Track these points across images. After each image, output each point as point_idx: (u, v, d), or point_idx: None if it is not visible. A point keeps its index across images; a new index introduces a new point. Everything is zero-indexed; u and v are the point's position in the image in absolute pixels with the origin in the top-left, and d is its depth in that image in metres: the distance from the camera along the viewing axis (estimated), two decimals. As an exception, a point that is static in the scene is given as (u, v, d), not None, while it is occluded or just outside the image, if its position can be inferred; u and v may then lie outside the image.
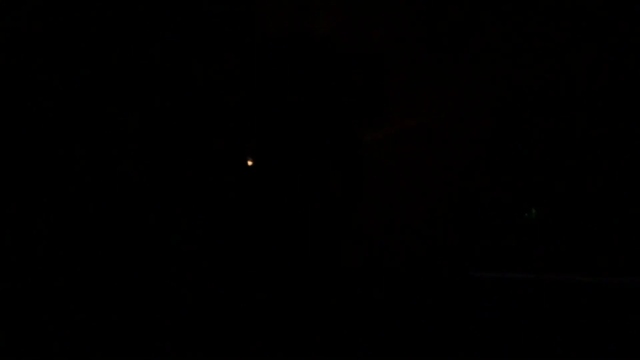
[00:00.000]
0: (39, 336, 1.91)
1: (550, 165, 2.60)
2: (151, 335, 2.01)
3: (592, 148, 2.54)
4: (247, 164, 2.27)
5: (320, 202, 2.20)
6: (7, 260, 1.98)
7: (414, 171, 2.65)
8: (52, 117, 2.13)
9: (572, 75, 2.57)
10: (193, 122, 2.21)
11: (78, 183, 2.14)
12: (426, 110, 2.67)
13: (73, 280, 2.05)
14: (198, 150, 2.19)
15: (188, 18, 2.22)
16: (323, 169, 2.16)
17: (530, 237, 2.56)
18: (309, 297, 2.12)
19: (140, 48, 2.19)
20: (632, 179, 2.49)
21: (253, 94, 2.23)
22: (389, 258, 2.52)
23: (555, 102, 2.60)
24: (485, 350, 2.12)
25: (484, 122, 2.66)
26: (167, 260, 2.12)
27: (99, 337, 1.96)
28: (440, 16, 2.65)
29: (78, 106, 2.15)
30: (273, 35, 2.25)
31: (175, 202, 2.17)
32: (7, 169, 2.06)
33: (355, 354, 2.08)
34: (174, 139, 2.20)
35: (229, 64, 2.26)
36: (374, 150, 2.58)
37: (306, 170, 2.16)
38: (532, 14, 2.60)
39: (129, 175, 2.18)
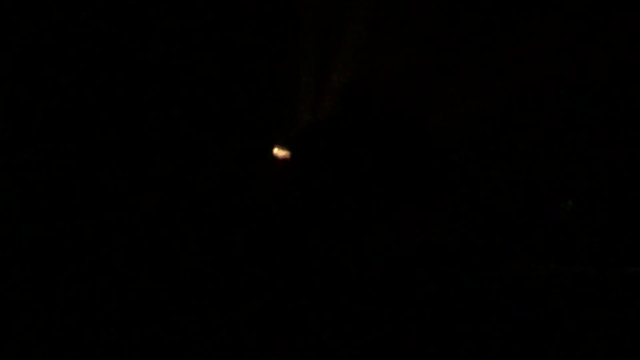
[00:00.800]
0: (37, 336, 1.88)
1: (587, 154, 2.53)
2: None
3: (629, 137, 2.48)
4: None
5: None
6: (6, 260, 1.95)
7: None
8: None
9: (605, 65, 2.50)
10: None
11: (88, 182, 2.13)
12: (458, 103, 2.63)
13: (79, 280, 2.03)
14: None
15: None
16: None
17: (566, 228, 2.50)
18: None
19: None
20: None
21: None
22: (424, 250, 2.44)
23: (589, 93, 2.54)
24: (519, 344, 2.12)
25: (517, 113, 2.61)
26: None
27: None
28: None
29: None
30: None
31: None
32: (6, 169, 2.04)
33: (385, 339, 2.10)
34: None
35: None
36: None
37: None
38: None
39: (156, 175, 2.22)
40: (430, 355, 2.13)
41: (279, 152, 2.48)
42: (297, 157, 2.46)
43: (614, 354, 2.06)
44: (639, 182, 2.47)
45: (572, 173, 2.55)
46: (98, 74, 2.16)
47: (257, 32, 2.42)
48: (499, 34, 2.58)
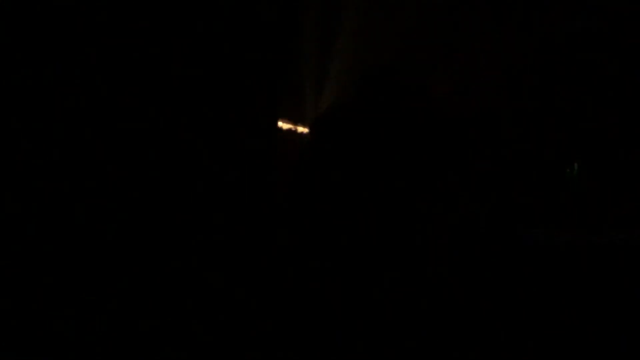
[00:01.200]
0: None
1: (594, 118, 2.52)
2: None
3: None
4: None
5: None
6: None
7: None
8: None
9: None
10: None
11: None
12: (465, 69, 2.61)
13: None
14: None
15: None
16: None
17: (573, 193, 2.48)
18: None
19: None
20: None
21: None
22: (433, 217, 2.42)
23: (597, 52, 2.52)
24: (531, 309, 2.11)
25: (525, 77, 2.59)
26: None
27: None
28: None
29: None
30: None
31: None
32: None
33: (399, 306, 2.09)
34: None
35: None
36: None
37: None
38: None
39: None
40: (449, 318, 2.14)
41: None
42: (317, 141, 2.49)
43: (621, 318, 2.07)
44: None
45: (577, 138, 2.53)
46: (105, 69, 2.15)
47: (259, 21, 2.41)
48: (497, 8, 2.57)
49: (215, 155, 2.32)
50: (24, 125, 2.04)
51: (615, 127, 2.50)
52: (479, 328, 2.08)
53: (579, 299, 2.15)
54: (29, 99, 2.06)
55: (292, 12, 2.51)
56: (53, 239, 2.01)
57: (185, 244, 2.18)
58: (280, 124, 2.60)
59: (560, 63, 2.58)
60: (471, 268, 2.28)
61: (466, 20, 2.59)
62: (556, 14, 2.53)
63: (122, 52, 2.14)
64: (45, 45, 2.06)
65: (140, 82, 2.19)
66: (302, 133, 2.69)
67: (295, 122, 2.71)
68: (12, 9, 1.99)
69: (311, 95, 2.71)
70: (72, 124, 2.09)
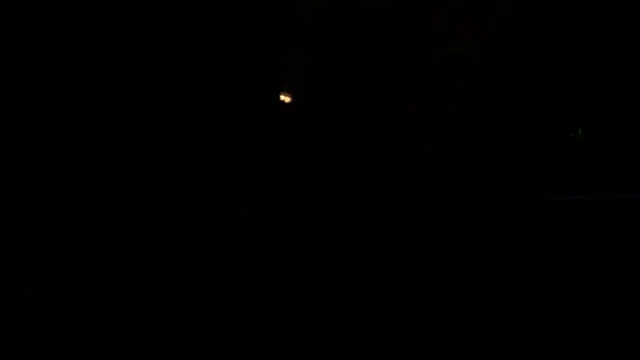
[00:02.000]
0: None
1: (597, 81, 2.41)
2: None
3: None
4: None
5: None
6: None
7: (458, 96, 2.52)
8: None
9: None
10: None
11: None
12: (465, 34, 2.53)
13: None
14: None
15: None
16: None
17: (577, 157, 2.40)
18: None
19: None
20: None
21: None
22: (437, 186, 2.42)
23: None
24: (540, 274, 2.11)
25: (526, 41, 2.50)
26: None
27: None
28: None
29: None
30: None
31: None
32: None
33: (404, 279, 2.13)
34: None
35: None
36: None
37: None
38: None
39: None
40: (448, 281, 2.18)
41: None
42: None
43: (627, 280, 2.05)
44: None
45: (580, 102, 2.45)
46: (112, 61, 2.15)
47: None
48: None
49: (219, 130, 2.31)
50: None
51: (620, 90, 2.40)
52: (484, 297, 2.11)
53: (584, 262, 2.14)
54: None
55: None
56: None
57: (192, 219, 2.18)
58: (282, 97, 2.57)
59: (568, 23, 2.48)
60: (476, 231, 2.26)
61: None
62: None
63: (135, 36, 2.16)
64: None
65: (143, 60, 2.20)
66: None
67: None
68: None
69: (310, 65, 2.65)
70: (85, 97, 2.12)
